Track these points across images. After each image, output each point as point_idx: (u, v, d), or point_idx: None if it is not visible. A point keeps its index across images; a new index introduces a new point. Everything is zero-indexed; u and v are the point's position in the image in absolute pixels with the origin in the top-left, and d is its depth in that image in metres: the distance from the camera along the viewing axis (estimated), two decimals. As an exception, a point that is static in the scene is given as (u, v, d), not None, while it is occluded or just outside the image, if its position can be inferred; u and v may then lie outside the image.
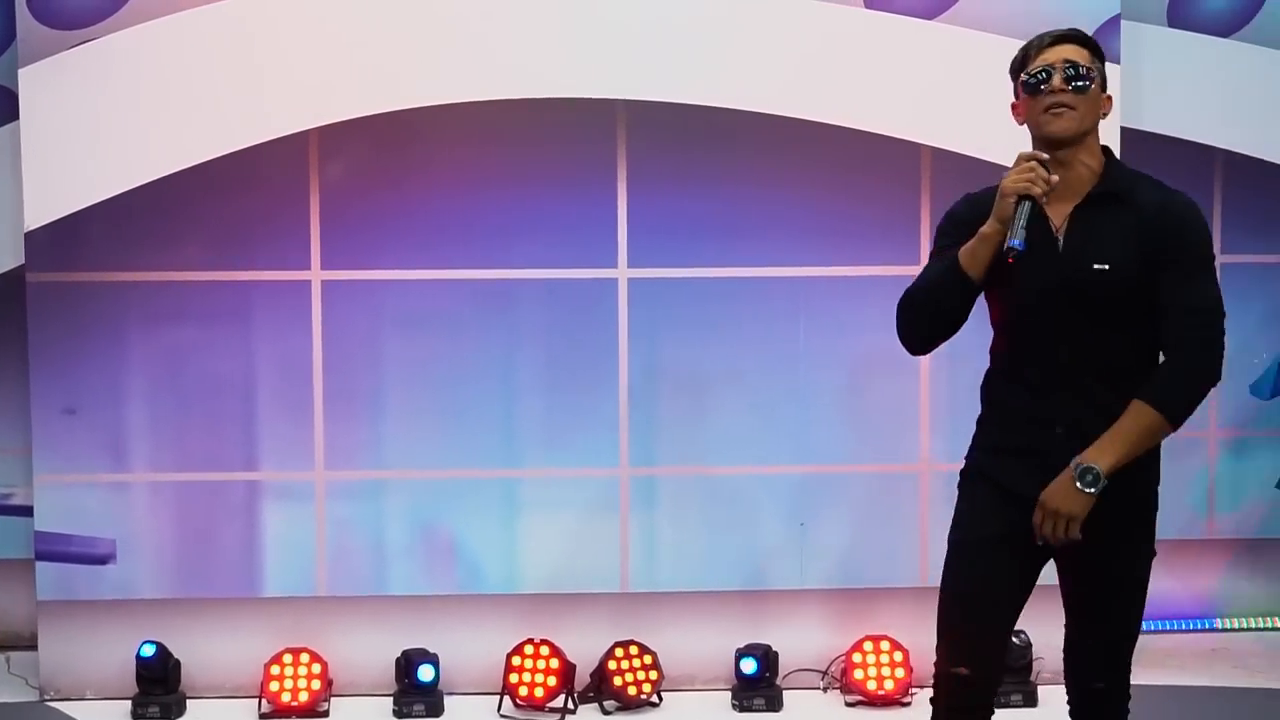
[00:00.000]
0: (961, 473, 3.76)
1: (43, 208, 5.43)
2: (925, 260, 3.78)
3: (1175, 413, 3.46)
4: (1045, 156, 3.52)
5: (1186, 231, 3.52)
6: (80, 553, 5.55)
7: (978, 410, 3.73)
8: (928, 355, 3.88)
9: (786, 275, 5.59)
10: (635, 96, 5.44)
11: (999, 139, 5.47)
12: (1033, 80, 3.59)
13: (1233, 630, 6.29)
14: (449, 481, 5.62)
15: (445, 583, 5.66)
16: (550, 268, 5.57)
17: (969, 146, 5.46)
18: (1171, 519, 5.95)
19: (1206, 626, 6.30)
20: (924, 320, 3.66)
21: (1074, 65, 3.56)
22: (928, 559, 5.49)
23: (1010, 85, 3.67)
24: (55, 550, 5.54)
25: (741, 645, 5.57)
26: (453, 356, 5.62)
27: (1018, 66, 3.67)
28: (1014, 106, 3.69)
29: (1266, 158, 5.82)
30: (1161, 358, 3.53)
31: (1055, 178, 3.48)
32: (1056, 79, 3.55)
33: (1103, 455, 3.44)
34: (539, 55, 5.44)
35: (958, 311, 3.60)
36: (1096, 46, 3.68)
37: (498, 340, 5.63)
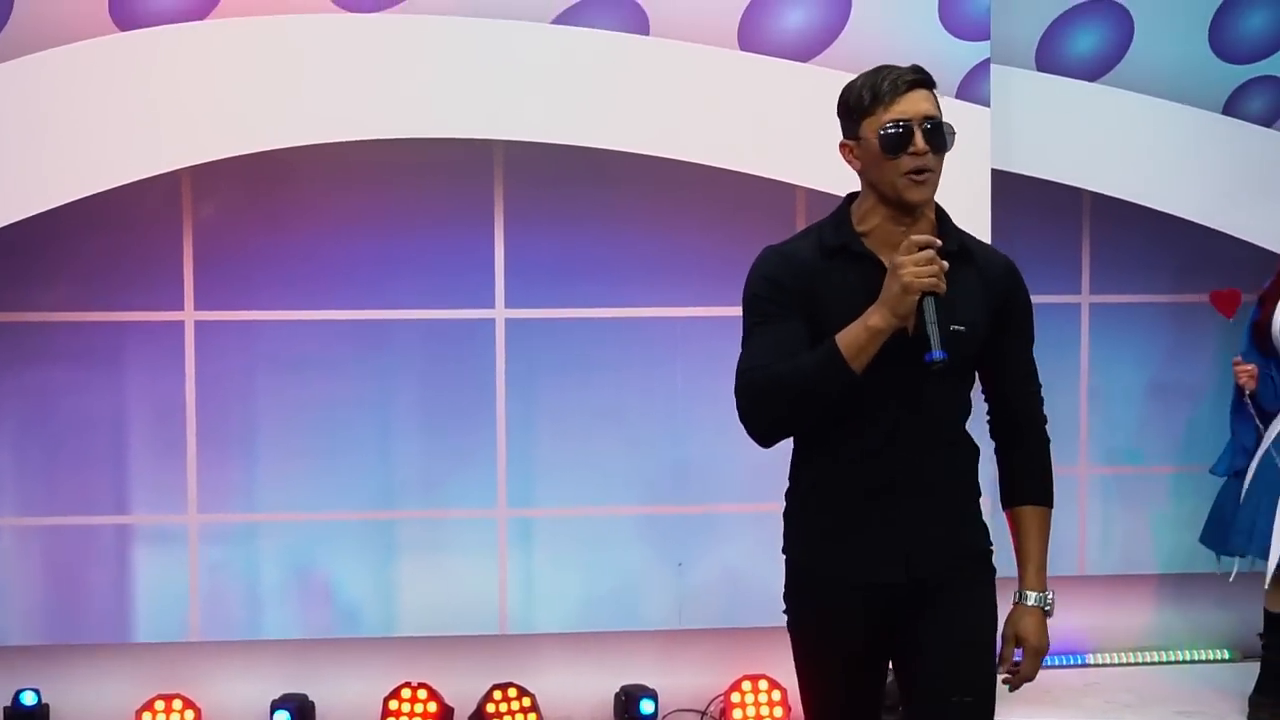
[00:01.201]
0: (787, 580, 3.39)
1: (-92, 247, 5.35)
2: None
3: (1053, 497, 3.45)
4: (938, 242, 3.12)
5: (1024, 295, 3.36)
6: (-55, 600, 5.46)
7: None
8: None
9: (665, 315, 5.62)
10: (512, 137, 5.43)
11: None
12: (892, 138, 3.17)
13: (1104, 665, 6.38)
14: (325, 524, 5.59)
15: (321, 626, 5.62)
16: (427, 308, 5.56)
17: (842, 187, 5.51)
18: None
19: (1078, 662, 6.39)
20: (787, 411, 3.23)
21: (935, 123, 3.19)
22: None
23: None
24: (-80, 597, 5.45)
25: (620, 686, 5.58)
26: (328, 398, 5.59)
27: (861, 109, 3.23)
28: (846, 149, 3.29)
29: (1132, 199, 5.93)
30: (995, 424, 3.40)
31: (945, 264, 3.11)
32: (919, 140, 3.17)
33: (1041, 578, 3.42)
34: (415, 95, 5.42)
35: (830, 403, 3.19)
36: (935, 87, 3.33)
37: (374, 381, 5.61)
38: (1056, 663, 6.26)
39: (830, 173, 5.54)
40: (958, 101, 5.49)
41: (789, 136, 5.53)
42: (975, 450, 3.37)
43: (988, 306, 3.26)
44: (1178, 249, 6.22)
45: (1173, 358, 6.33)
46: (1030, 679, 3.36)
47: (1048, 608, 3.40)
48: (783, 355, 3.21)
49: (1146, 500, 6.36)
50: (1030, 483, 3.42)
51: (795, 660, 3.41)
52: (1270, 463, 5.51)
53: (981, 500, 3.40)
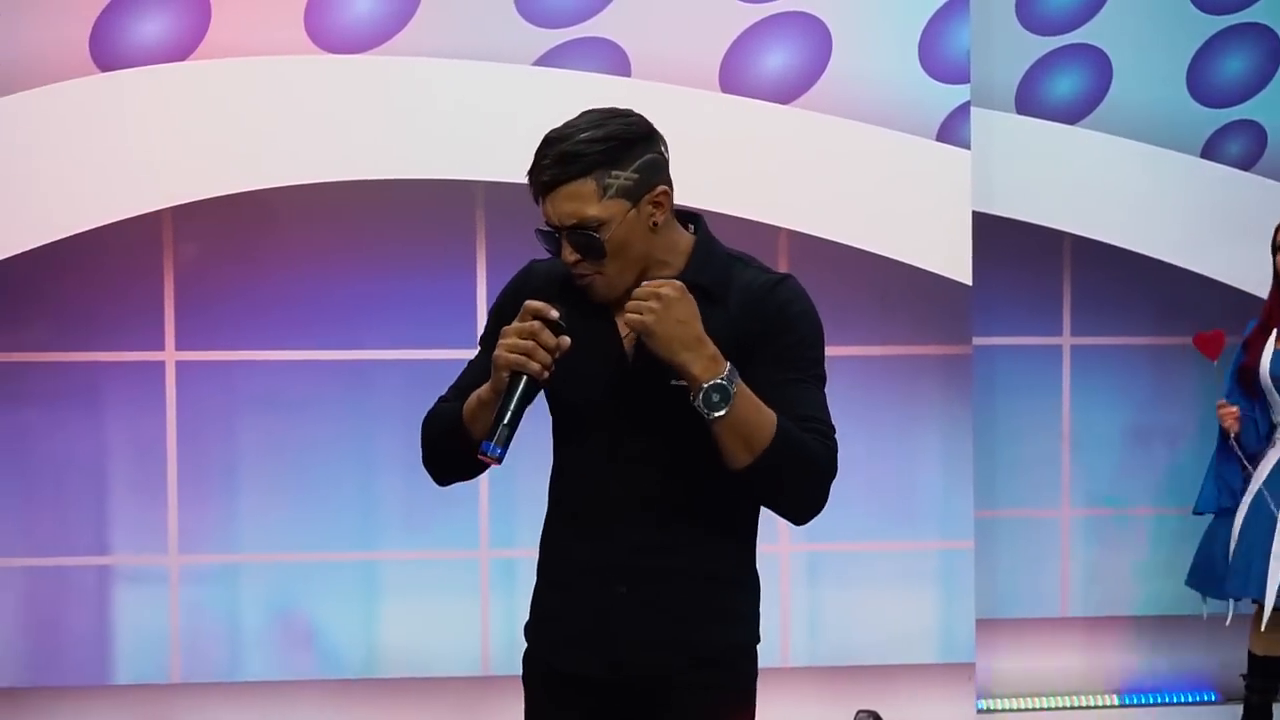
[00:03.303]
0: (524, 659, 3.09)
1: (-112, 288, 5.36)
2: None
3: (784, 450, 2.72)
4: (554, 314, 2.72)
5: (790, 316, 2.85)
6: (-76, 641, 5.44)
7: None
8: None
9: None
10: (494, 178, 5.46)
11: (855, 221, 5.63)
12: (545, 245, 2.84)
13: (1087, 709, 6.38)
14: (307, 564, 5.58)
15: (303, 667, 5.60)
16: (409, 348, 5.57)
17: (826, 229, 5.57)
18: (1025, 597, 6.14)
19: (1062, 706, 6.38)
20: (436, 459, 3.01)
21: (577, 229, 2.75)
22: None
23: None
24: (-101, 639, 5.43)
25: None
26: (310, 438, 5.59)
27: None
28: None
29: (1112, 241, 5.98)
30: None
31: (566, 340, 2.73)
32: (566, 250, 2.79)
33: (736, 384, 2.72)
34: (396, 136, 5.47)
35: (468, 465, 2.89)
36: (614, 148, 2.77)
37: (356, 421, 5.60)
38: (1040, 706, 6.26)
39: (813, 214, 5.62)
40: (938, 144, 5.55)
41: (771, 178, 5.58)
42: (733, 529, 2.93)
43: (733, 346, 2.76)
44: (1158, 291, 6.26)
45: (1154, 400, 6.37)
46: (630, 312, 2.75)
47: (703, 393, 2.69)
48: (469, 388, 2.88)
49: (1127, 543, 6.38)
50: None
51: None
52: (1262, 503, 5.53)
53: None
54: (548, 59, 5.48)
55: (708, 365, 2.69)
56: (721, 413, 2.68)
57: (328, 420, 5.59)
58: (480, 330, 3.08)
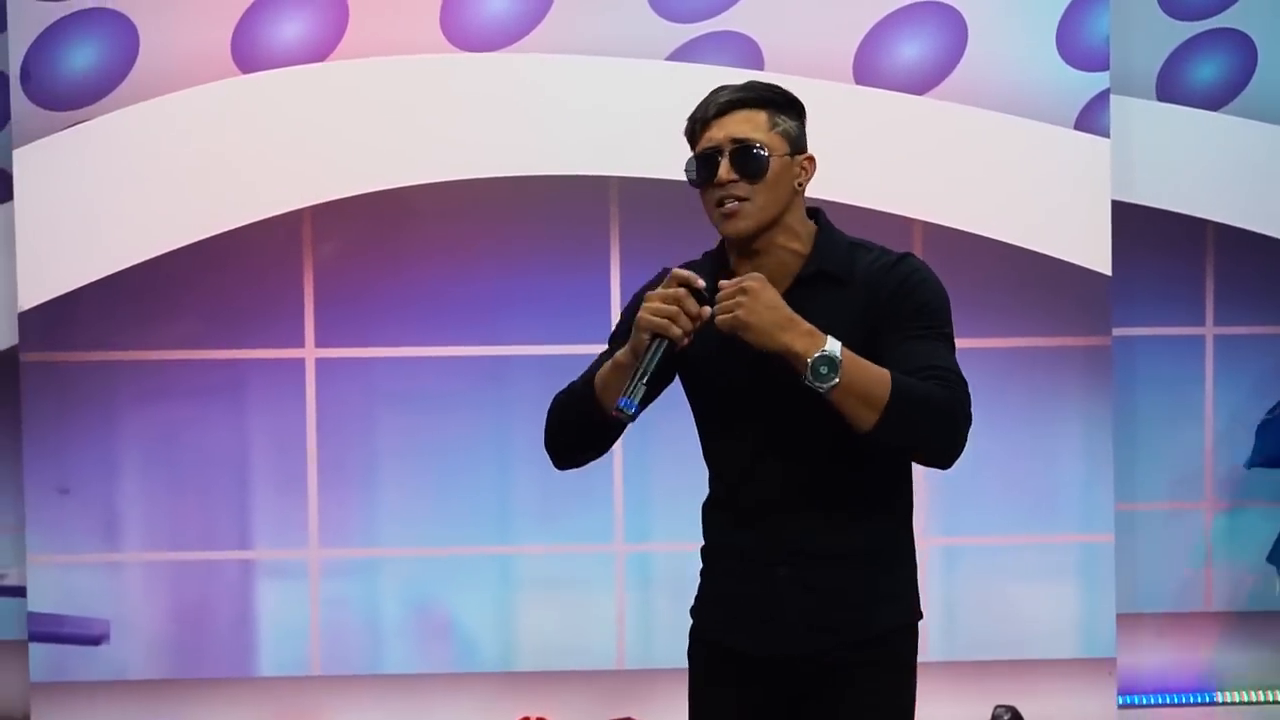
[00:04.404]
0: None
1: (36, 288, 5.46)
2: None
3: (904, 399, 2.79)
4: (701, 284, 2.83)
5: (910, 286, 2.95)
6: (74, 634, 5.54)
7: None
8: None
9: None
10: (627, 173, 5.48)
11: (992, 212, 5.57)
12: (698, 171, 2.96)
13: (1232, 704, 6.28)
14: (443, 559, 5.63)
15: (440, 661, 5.65)
16: (544, 343, 5.60)
17: (962, 221, 5.52)
18: (1167, 591, 6.05)
19: (1205, 700, 6.29)
20: (561, 434, 3.17)
21: (743, 146, 2.92)
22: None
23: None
24: (49, 631, 5.54)
25: None
26: (446, 433, 5.63)
27: (690, 141, 3.03)
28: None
29: (1257, 229, 5.88)
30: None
31: (707, 309, 2.83)
32: (723, 168, 2.92)
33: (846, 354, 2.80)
34: (530, 133, 5.49)
35: (593, 439, 3.09)
36: (783, 99, 3.01)
37: (491, 417, 5.64)
38: (1181, 701, 6.17)
39: (949, 206, 5.58)
40: (1077, 133, 5.48)
41: (906, 170, 5.54)
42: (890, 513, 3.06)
43: (862, 326, 2.90)
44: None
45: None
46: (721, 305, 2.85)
47: (813, 366, 2.76)
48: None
49: (1272, 534, 6.26)
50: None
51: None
52: None
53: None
54: (681, 54, 5.47)
55: (808, 341, 2.78)
56: (834, 382, 2.76)
57: (464, 415, 5.62)
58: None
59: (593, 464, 5.54)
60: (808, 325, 2.79)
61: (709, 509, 3.14)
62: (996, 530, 5.64)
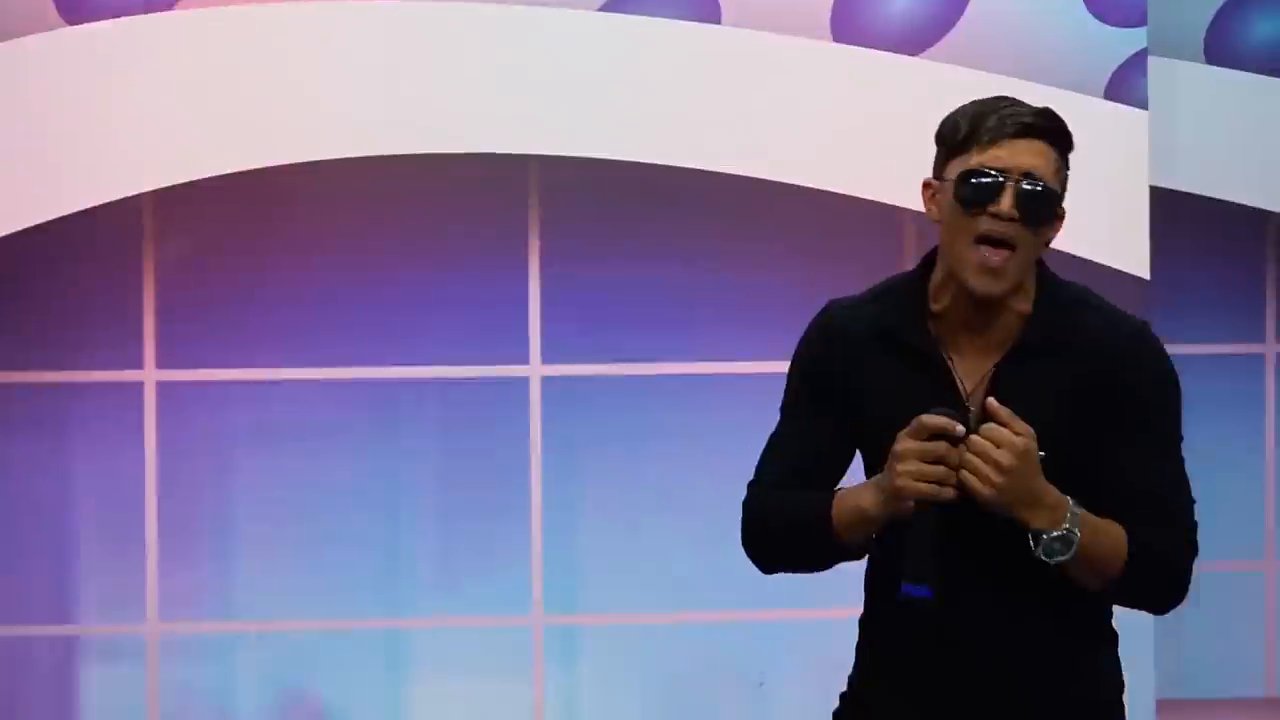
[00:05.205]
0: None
1: None
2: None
3: (1138, 572, 2.97)
4: (961, 430, 2.89)
5: (1154, 385, 3.02)
6: None
7: None
8: None
9: (736, 371, 5.57)
10: (551, 151, 5.36)
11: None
12: (973, 189, 2.95)
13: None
14: (316, 635, 5.52)
15: (314, 761, 5.58)
16: (444, 364, 5.54)
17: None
18: (1219, 673, 6.06)
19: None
20: (781, 551, 3.21)
21: (1036, 181, 2.93)
22: None
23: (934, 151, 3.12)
24: None
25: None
26: (323, 476, 5.47)
27: (954, 141, 3.03)
28: (929, 189, 3.08)
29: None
30: None
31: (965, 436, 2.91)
32: (1006, 199, 2.91)
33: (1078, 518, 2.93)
34: (431, 101, 5.38)
35: (820, 563, 3.14)
36: (1071, 142, 3.03)
37: (379, 456, 5.53)
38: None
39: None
40: (1107, 103, 5.46)
41: (894, 148, 5.48)
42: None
43: (1073, 402, 2.99)
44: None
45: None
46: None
47: (1068, 529, 2.92)
48: (794, 470, 3.13)
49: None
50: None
51: None
52: None
53: None
54: (616, 3, 5.43)
55: (1049, 517, 2.91)
56: (1065, 558, 2.91)
57: (345, 454, 5.51)
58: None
59: (503, 514, 5.60)
60: (1054, 497, 2.90)
61: (876, 584, 3.18)
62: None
